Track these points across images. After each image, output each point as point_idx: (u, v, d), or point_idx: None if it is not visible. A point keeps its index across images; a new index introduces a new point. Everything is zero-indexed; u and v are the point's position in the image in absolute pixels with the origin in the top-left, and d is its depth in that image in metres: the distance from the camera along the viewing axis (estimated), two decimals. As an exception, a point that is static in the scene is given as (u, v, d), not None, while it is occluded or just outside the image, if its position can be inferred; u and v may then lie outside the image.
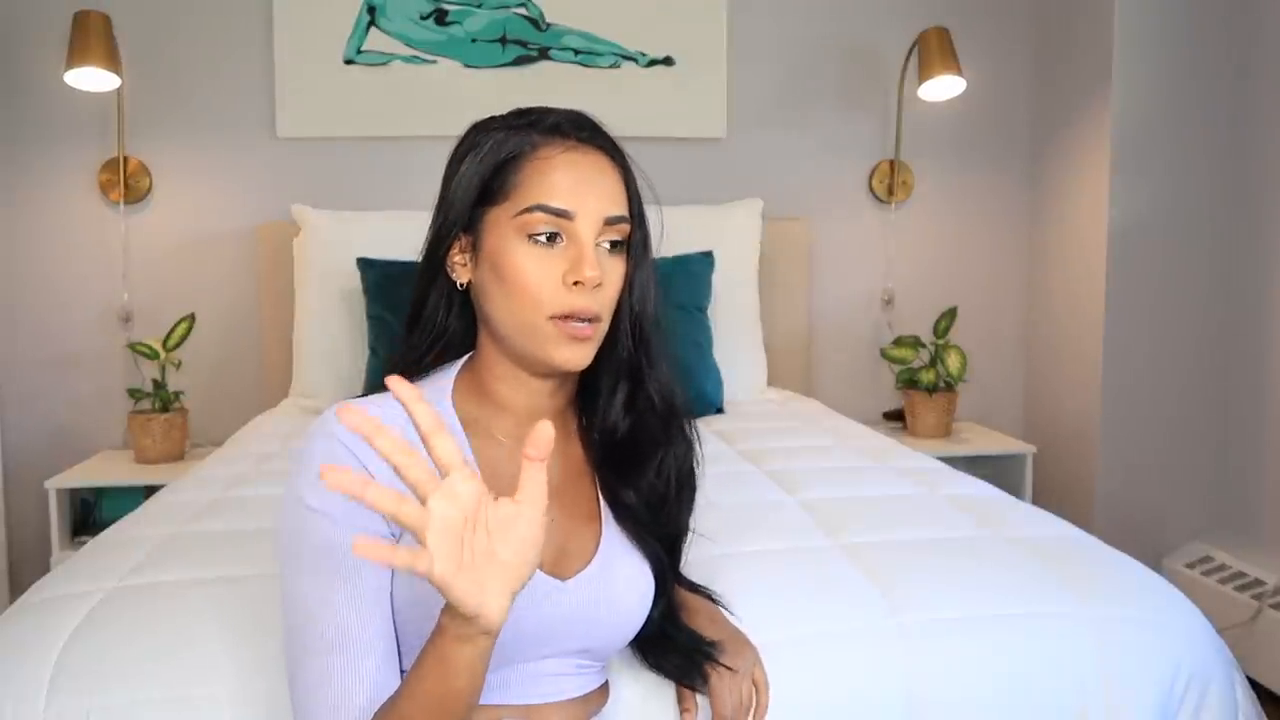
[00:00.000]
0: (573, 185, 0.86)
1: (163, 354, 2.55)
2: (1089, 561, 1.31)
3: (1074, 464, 2.85)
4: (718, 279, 2.56)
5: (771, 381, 2.74)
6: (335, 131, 2.74)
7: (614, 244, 0.89)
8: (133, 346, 2.58)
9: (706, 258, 2.55)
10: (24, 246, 2.70)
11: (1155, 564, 2.66)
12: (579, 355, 0.87)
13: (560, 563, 0.89)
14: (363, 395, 0.92)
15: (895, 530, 1.40)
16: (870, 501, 1.55)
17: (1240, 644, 2.34)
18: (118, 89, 2.58)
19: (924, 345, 2.83)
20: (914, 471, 1.77)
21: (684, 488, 0.98)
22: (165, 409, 2.55)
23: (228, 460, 1.93)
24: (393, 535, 0.82)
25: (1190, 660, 1.17)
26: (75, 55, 2.45)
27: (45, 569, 2.43)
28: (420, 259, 0.94)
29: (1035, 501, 2.74)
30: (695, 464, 0.99)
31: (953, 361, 2.76)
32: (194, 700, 1.00)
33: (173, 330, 2.57)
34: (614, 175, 0.90)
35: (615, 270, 0.89)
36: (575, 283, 0.85)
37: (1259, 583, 2.42)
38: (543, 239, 0.86)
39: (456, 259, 0.91)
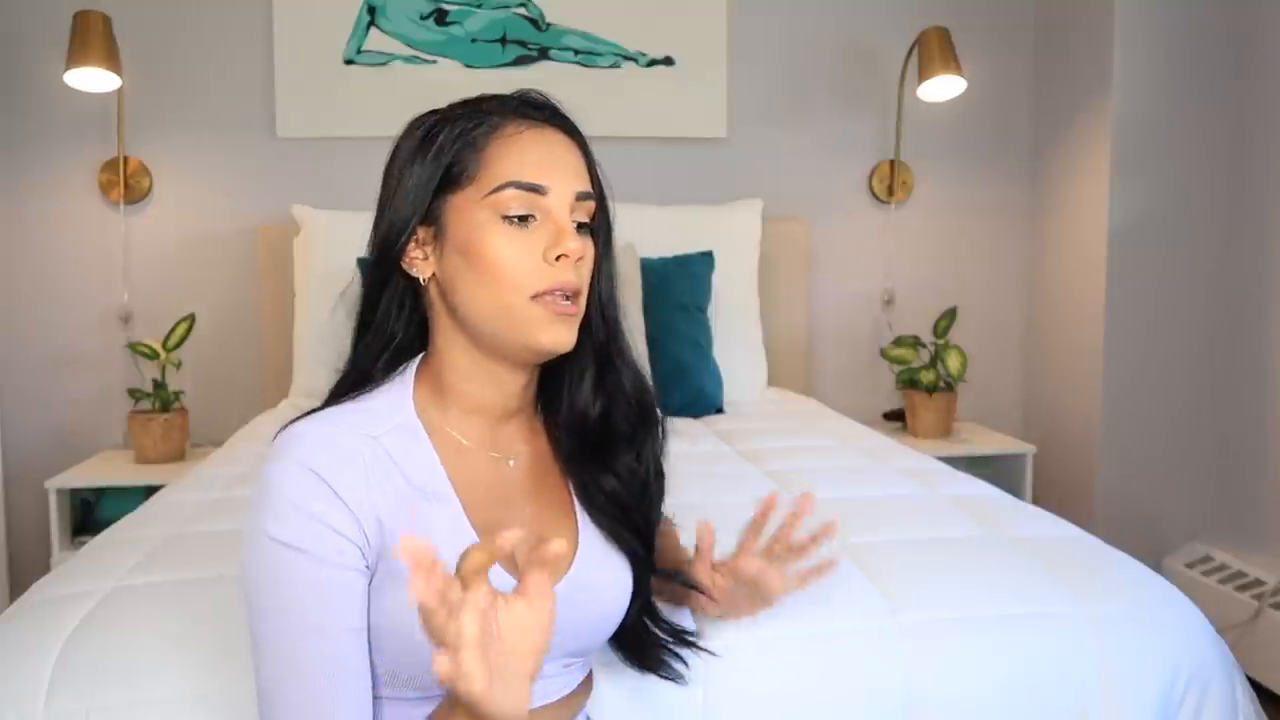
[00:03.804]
0: (542, 160, 0.84)
1: (163, 354, 2.55)
2: (1089, 561, 1.31)
3: (1074, 464, 2.85)
4: (718, 279, 2.56)
5: (771, 381, 2.74)
6: (335, 131, 2.74)
7: (581, 225, 0.87)
8: (133, 346, 2.58)
9: (706, 258, 2.55)
10: (24, 246, 2.70)
11: (1155, 564, 2.66)
12: (564, 335, 0.84)
13: None
14: (320, 407, 0.87)
15: (895, 530, 1.40)
16: (870, 501, 1.55)
17: (1240, 644, 2.34)
18: (118, 89, 2.57)
19: (924, 345, 2.83)
20: (914, 471, 1.77)
21: (661, 476, 0.96)
22: (165, 409, 2.54)
23: (228, 460, 1.93)
24: (368, 569, 0.79)
25: (1190, 660, 1.17)
26: (75, 55, 2.45)
27: (45, 569, 2.43)
28: (370, 260, 0.89)
29: (1035, 501, 2.74)
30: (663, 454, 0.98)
31: (953, 361, 2.75)
32: (193, 700, 1.00)
33: (173, 330, 2.57)
34: (577, 153, 0.88)
35: (588, 248, 0.87)
36: (558, 257, 0.83)
37: (1259, 583, 2.42)
38: (516, 220, 0.83)
39: (415, 254, 0.87)
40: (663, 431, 0.97)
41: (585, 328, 0.89)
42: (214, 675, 1.01)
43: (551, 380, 0.93)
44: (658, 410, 0.96)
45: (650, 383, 0.96)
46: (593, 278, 0.89)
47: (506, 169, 0.83)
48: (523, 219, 0.83)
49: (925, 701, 1.09)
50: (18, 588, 2.60)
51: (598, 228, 0.90)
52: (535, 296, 0.83)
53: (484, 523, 0.85)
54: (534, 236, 0.83)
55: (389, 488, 0.81)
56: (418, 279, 0.88)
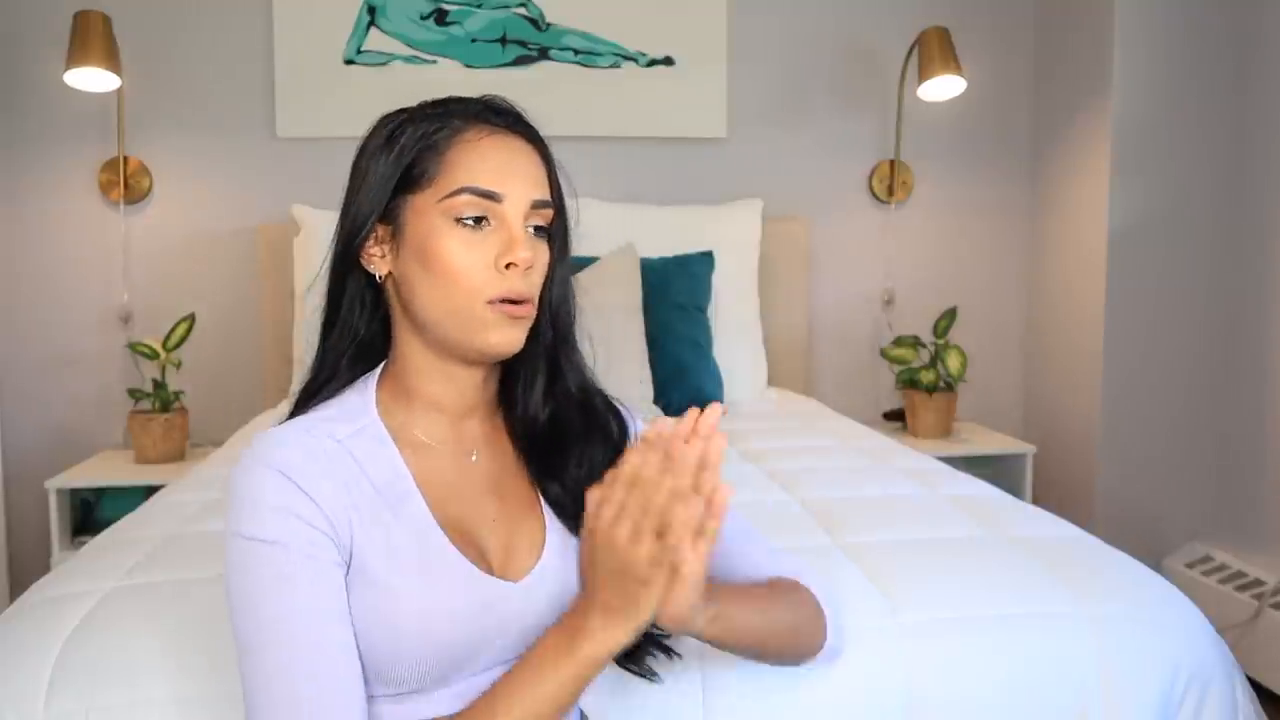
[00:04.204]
0: (499, 167, 0.85)
1: (163, 354, 2.55)
2: (1089, 561, 1.31)
3: (1074, 464, 2.85)
4: (718, 279, 2.56)
5: (771, 381, 2.74)
6: (335, 131, 2.74)
7: (538, 230, 0.88)
8: (133, 346, 2.58)
9: (706, 258, 2.55)
10: (24, 246, 2.70)
11: (1155, 564, 2.66)
12: (513, 338, 0.86)
13: (509, 564, 0.88)
14: (292, 413, 0.90)
15: (895, 530, 1.40)
16: (870, 501, 1.55)
17: (1240, 644, 2.34)
18: (118, 89, 2.58)
19: (924, 345, 2.83)
20: (914, 471, 1.77)
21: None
22: (165, 409, 2.54)
23: (227, 460, 1.93)
24: (344, 563, 0.80)
25: (1190, 660, 1.17)
26: (75, 55, 2.45)
27: (45, 569, 2.43)
28: (331, 255, 0.91)
29: (1035, 501, 2.74)
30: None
31: (953, 361, 2.75)
32: (194, 700, 1.00)
33: (173, 330, 2.57)
34: (537, 161, 0.89)
35: (541, 255, 0.88)
36: (508, 265, 0.84)
37: (1259, 583, 2.42)
38: (470, 222, 0.84)
39: (373, 251, 0.89)
40: (621, 433, 0.96)
41: (536, 332, 0.91)
42: (214, 675, 1.01)
43: (509, 379, 0.95)
44: (614, 414, 0.96)
45: (596, 392, 0.96)
46: (546, 282, 0.90)
47: (464, 174, 0.84)
48: (477, 221, 0.85)
49: (925, 701, 1.09)
50: (18, 588, 2.60)
51: (555, 233, 0.91)
52: (490, 302, 0.84)
53: (449, 519, 0.86)
54: (488, 242, 0.85)
55: (356, 490, 0.83)
56: (377, 276, 0.89)
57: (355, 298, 0.91)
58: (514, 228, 0.85)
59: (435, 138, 0.86)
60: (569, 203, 0.93)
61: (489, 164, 0.85)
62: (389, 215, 0.87)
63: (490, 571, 0.86)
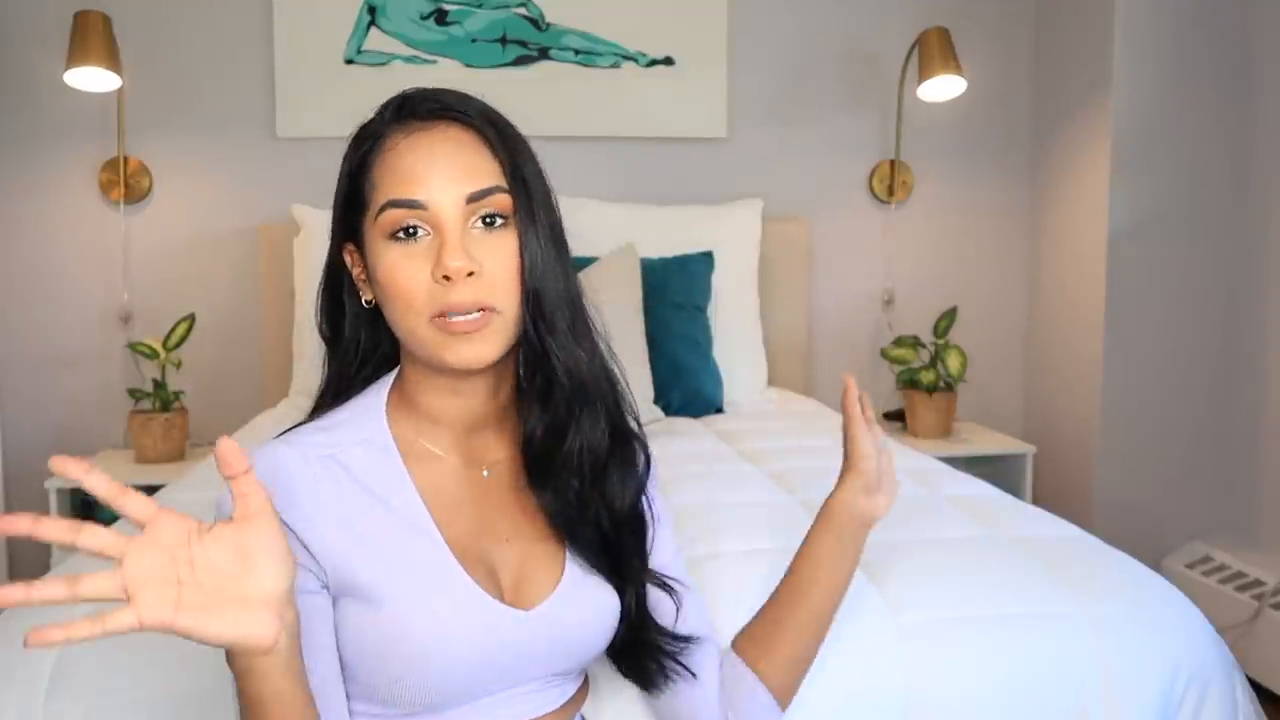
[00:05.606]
0: (422, 171, 0.78)
1: (163, 354, 2.55)
2: (1089, 561, 1.31)
3: (1074, 464, 2.84)
4: (718, 279, 2.56)
5: (771, 381, 2.74)
6: (335, 131, 2.70)
7: (491, 220, 0.80)
8: (133, 346, 2.58)
9: (706, 258, 2.55)
10: (24, 246, 2.70)
11: (1155, 564, 2.66)
12: (472, 352, 0.78)
13: (521, 591, 0.83)
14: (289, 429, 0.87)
15: (895, 530, 1.39)
16: (870, 501, 1.55)
17: (1240, 644, 2.34)
18: (118, 89, 2.57)
19: (924, 345, 2.83)
20: (914, 471, 1.77)
21: (600, 475, 0.86)
22: (165, 409, 2.54)
23: (228, 460, 1.92)
24: (324, 587, 0.78)
25: (1190, 660, 1.17)
26: (75, 55, 2.45)
27: (45, 569, 2.43)
28: (321, 285, 0.88)
29: (1035, 501, 2.74)
30: (632, 459, 0.89)
31: (953, 361, 2.75)
32: (193, 700, 1.00)
33: (173, 330, 2.57)
34: (473, 145, 0.80)
35: (499, 250, 0.79)
36: (444, 277, 0.76)
37: (1259, 583, 2.42)
38: (402, 236, 0.78)
39: (360, 276, 0.85)
40: (633, 425, 0.90)
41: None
42: (213, 675, 1.01)
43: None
44: (600, 408, 0.87)
45: (590, 379, 0.85)
46: (524, 273, 0.80)
47: (388, 188, 0.79)
48: (408, 233, 0.79)
49: (925, 702, 1.09)
50: (18, 588, 2.59)
51: (520, 215, 0.81)
52: (432, 319, 0.78)
53: (456, 536, 0.83)
54: (424, 253, 0.78)
55: (354, 506, 0.80)
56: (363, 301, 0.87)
57: (358, 324, 0.88)
58: (448, 232, 0.78)
59: (363, 155, 0.82)
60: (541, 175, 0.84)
61: (408, 171, 0.79)
62: (357, 240, 0.84)
63: (499, 593, 0.82)
